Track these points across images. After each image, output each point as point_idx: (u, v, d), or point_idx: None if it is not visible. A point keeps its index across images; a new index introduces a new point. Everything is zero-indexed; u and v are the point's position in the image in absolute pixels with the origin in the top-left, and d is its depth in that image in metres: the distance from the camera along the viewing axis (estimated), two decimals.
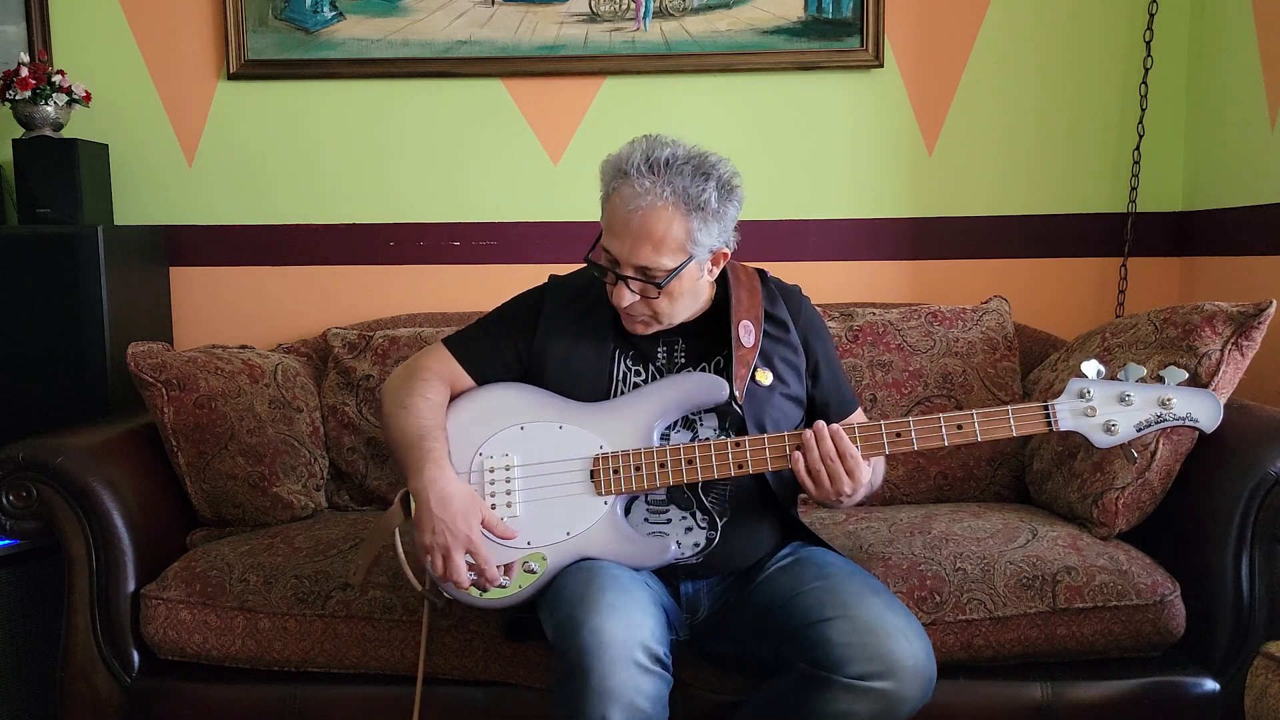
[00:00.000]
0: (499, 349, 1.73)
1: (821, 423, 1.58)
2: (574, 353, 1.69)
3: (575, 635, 1.43)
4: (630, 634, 1.43)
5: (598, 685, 1.40)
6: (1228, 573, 1.76)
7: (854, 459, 1.55)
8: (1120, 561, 1.79)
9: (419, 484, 1.59)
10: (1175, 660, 1.80)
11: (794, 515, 1.75)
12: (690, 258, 1.58)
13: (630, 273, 1.58)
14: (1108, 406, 1.53)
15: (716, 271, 1.67)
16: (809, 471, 1.56)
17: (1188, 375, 1.52)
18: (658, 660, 1.46)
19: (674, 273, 1.57)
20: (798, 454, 1.56)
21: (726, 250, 1.64)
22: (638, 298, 1.60)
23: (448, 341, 1.75)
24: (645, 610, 1.48)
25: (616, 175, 1.59)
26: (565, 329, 1.71)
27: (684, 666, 1.75)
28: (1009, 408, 1.55)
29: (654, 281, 1.58)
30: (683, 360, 1.70)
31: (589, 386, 1.68)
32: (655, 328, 1.66)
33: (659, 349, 1.71)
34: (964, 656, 1.76)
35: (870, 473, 1.60)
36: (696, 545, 1.65)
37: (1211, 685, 1.76)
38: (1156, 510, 1.88)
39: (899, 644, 1.45)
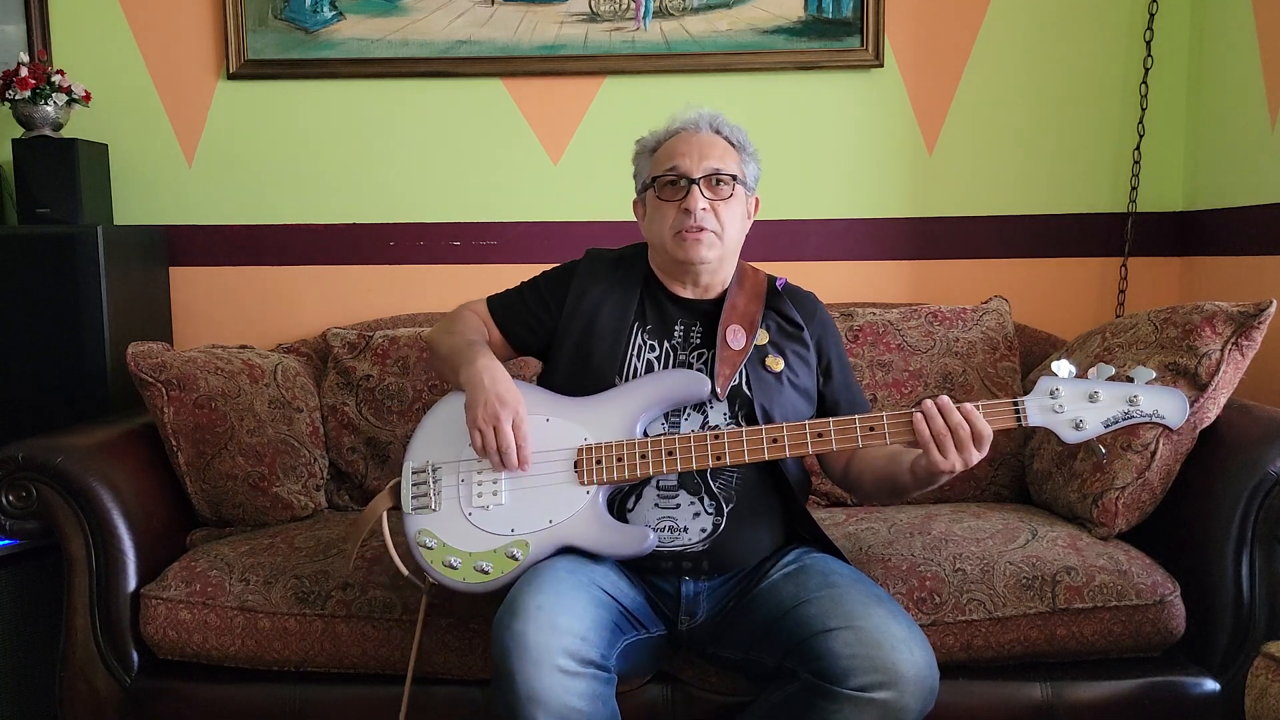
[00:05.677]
0: (528, 308, 1.82)
1: (926, 405, 1.53)
2: (598, 313, 1.75)
3: (499, 638, 1.47)
4: (553, 638, 1.45)
5: (523, 688, 1.43)
6: (1228, 573, 1.76)
7: (979, 421, 1.51)
8: (1120, 562, 1.79)
9: (472, 370, 1.67)
10: (1175, 660, 1.80)
11: (800, 511, 1.75)
12: (744, 180, 1.74)
13: (702, 174, 1.69)
14: (1076, 404, 1.54)
15: (749, 225, 1.78)
16: (934, 437, 1.52)
17: (1155, 375, 1.54)
18: (588, 662, 1.47)
19: (738, 178, 1.72)
20: (919, 416, 1.53)
21: (758, 198, 1.80)
22: (707, 203, 1.69)
23: (490, 297, 1.88)
24: (574, 613, 1.50)
25: (666, 134, 1.77)
26: (595, 289, 1.78)
27: (685, 667, 1.75)
28: (979, 403, 1.55)
29: (728, 174, 1.71)
30: (698, 341, 1.74)
31: (603, 354, 1.72)
32: (716, 250, 1.72)
33: (677, 326, 1.75)
34: (964, 657, 1.76)
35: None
36: (704, 531, 1.67)
37: (1211, 685, 1.76)
38: (1156, 510, 1.88)
39: (901, 655, 1.46)
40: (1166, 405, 1.53)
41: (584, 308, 1.76)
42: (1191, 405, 1.81)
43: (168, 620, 1.86)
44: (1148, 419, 1.53)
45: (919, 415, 1.53)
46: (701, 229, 1.69)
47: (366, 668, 1.84)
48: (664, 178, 1.72)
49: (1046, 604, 1.75)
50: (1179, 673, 1.78)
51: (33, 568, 2.03)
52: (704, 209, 1.69)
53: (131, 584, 1.91)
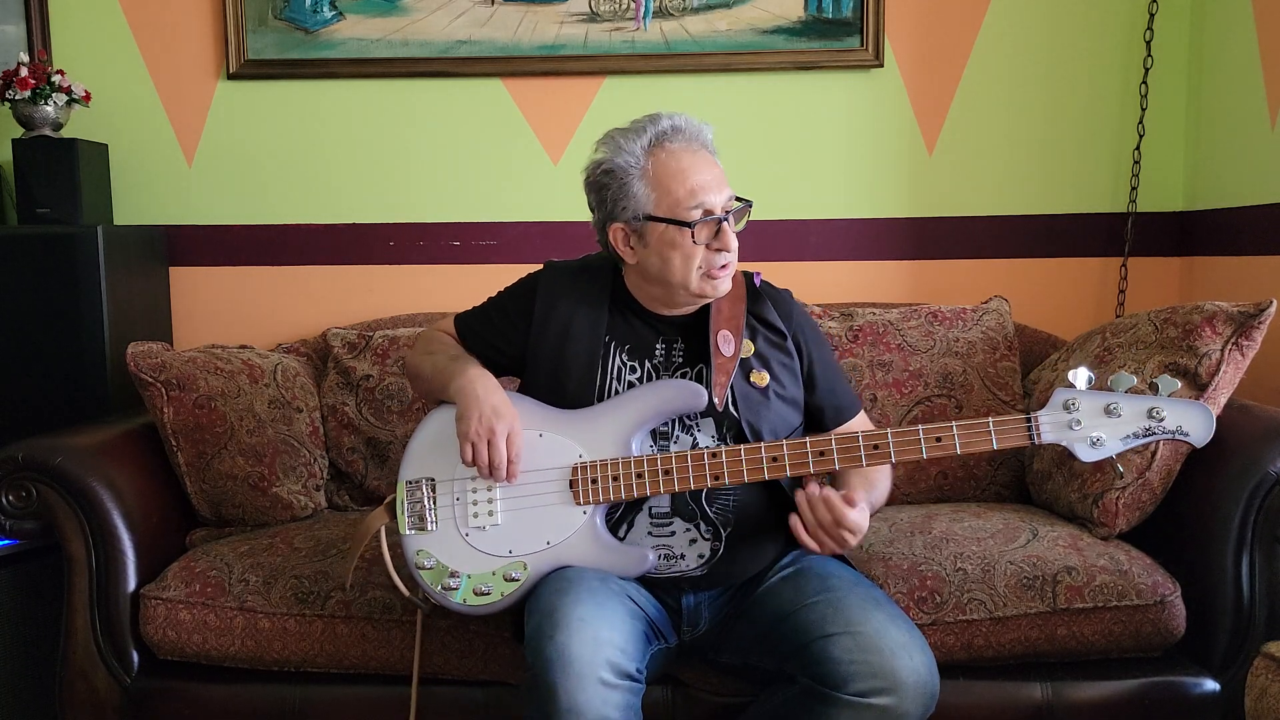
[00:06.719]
0: (496, 328, 1.76)
1: (809, 492, 1.53)
2: (568, 332, 1.69)
3: (542, 650, 1.44)
4: (597, 651, 1.44)
5: (564, 701, 1.41)
6: (1228, 573, 1.76)
7: (850, 523, 1.51)
8: (1120, 562, 1.79)
9: (464, 381, 1.63)
10: (1175, 660, 1.80)
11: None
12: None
13: (728, 208, 1.61)
14: (1093, 419, 1.48)
15: None
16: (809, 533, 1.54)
17: (1180, 385, 1.47)
18: (625, 675, 1.46)
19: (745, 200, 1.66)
20: (795, 520, 1.54)
21: None
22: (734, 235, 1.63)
23: (458, 317, 1.82)
24: (614, 625, 1.49)
25: (651, 145, 1.61)
26: (561, 305, 1.71)
27: (685, 669, 1.75)
28: (990, 419, 1.52)
29: (746, 199, 1.64)
30: (680, 359, 1.69)
31: (579, 379, 1.67)
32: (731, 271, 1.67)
33: (658, 345, 1.70)
34: (964, 656, 1.76)
35: (875, 497, 1.64)
36: (701, 557, 1.65)
37: (1212, 685, 1.76)
38: (1156, 510, 1.88)
39: (902, 661, 1.45)
40: (1191, 421, 1.45)
41: (552, 326, 1.70)
42: None
43: (167, 620, 1.86)
44: (1170, 436, 1.46)
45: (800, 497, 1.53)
46: (729, 263, 1.63)
47: (366, 668, 1.84)
48: (702, 223, 1.59)
49: (1047, 604, 1.75)
50: (1179, 673, 1.78)
51: (33, 568, 2.03)
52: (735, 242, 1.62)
53: (131, 584, 1.91)
